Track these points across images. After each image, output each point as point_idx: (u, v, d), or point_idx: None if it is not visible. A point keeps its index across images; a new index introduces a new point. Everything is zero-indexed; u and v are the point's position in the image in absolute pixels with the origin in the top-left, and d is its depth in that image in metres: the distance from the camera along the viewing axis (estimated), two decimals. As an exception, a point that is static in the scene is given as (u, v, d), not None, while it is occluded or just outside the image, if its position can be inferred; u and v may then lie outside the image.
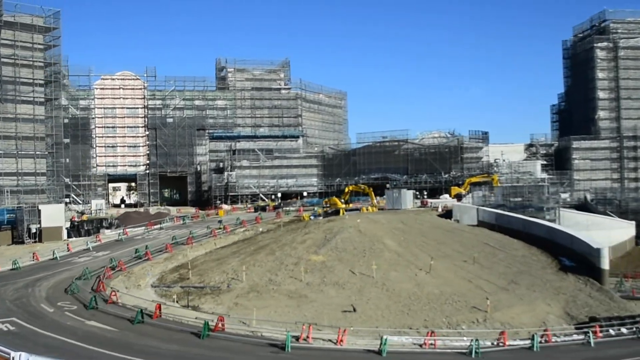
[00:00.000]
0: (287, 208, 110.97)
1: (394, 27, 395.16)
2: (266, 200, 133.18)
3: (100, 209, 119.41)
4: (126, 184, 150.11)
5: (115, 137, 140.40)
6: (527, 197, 79.58)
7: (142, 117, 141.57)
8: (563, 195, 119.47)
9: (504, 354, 37.56)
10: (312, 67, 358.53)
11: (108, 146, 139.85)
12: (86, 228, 78.70)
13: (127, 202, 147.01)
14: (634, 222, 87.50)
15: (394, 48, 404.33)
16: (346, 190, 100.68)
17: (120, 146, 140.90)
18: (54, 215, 74.67)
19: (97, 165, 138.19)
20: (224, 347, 35.61)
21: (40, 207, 74.18)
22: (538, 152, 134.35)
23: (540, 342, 39.62)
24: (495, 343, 39.36)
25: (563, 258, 59.80)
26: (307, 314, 42.98)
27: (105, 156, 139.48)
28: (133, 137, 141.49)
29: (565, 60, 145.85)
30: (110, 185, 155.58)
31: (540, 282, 53.46)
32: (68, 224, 79.60)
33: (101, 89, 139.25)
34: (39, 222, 73.51)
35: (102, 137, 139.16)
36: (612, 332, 44.80)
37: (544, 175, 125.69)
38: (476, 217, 71.68)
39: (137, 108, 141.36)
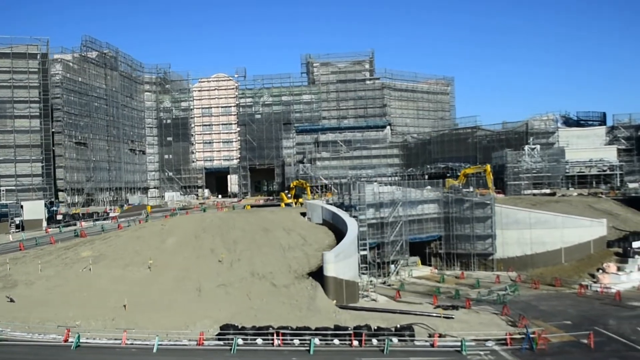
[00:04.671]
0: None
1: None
2: (336, 190, 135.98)
3: (171, 200, 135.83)
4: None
5: (211, 134, 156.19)
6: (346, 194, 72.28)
7: (234, 115, 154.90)
8: (632, 185, 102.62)
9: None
10: (416, 56, 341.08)
11: (205, 142, 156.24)
12: (66, 220, 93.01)
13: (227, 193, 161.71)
14: (604, 221, 73.77)
15: (502, 29, 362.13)
16: (291, 185, 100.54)
17: (215, 142, 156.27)
18: (34, 209, 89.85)
19: (196, 160, 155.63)
20: None
21: (23, 203, 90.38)
22: (617, 136, 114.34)
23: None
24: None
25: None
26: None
27: (203, 152, 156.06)
28: (227, 133, 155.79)
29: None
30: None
31: (259, 286, 52.34)
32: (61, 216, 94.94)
33: (199, 90, 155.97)
34: (22, 215, 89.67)
35: (200, 134, 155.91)
36: (240, 341, 43.65)
37: (615, 162, 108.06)
38: (321, 216, 68.45)
39: (230, 106, 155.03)
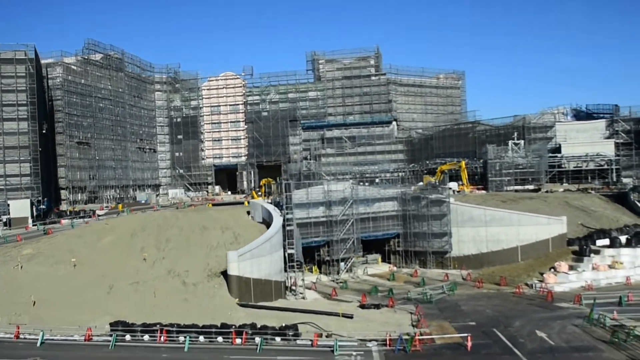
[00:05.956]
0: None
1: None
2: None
3: (173, 197, 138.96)
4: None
5: (220, 131, 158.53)
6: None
7: (242, 112, 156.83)
8: (626, 180, 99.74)
9: None
10: (427, 50, 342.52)
11: (215, 140, 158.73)
12: (51, 218, 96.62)
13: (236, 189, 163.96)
14: (564, 218, 72.03)
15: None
16: (261, 183, 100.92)
17: (224, 139, 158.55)
18: (20, 208, 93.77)
19: (205, 158, 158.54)
20: None
21: (9, 202, 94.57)
22: (615, 129, 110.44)
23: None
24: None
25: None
26: None
27: (212, 149, 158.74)
28: (235, 131, 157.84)
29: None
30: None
31: (170, 284, 53.83)
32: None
33: (208, 89, 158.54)
34: (9, 213, 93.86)
35: (210, 132, 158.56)
36: (128, 337, 45.23)
37: (612, 156, 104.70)
38: (261, 214, 68.90)
39: (238, 104, 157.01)
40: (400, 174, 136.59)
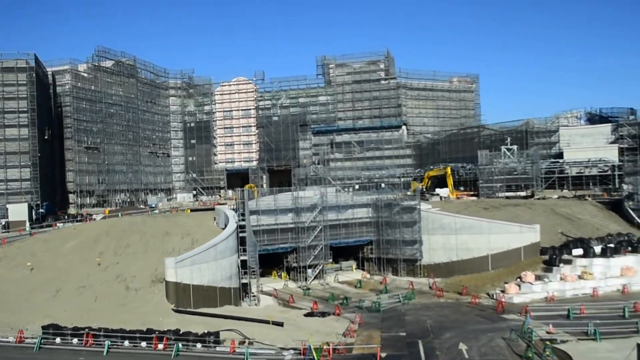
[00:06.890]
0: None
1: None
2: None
3: (182, 201, 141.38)
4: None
5: (232, 136, 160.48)
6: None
7: (254, 117, 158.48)
8: (625, 187, 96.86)
9: None
10: (441, 54, 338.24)
11: (227, 145, 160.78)
12: (49, 221, 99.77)
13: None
14: (537, 227, 70.77)
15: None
16: (245, 188, 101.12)
17: (236, 144, 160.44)
18: (18, 211, 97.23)
19: (218, 162, 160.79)
20: None
21: (8, 205, 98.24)
22: (619, 134, 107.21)
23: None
24: None
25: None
26: None
27: (224, 153, 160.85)
28: (247, 135, 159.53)
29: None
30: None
31: (115, 289, 55.15)
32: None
33: (220, 94, 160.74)
34: (7, 217, 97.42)
35: (222, 137, 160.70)
36: (58, 340, 46.74)
37: (616, 162, 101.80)
38: (224, 221, 69.45)
39: (250, 109, 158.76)
40: (407, 179, 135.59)
